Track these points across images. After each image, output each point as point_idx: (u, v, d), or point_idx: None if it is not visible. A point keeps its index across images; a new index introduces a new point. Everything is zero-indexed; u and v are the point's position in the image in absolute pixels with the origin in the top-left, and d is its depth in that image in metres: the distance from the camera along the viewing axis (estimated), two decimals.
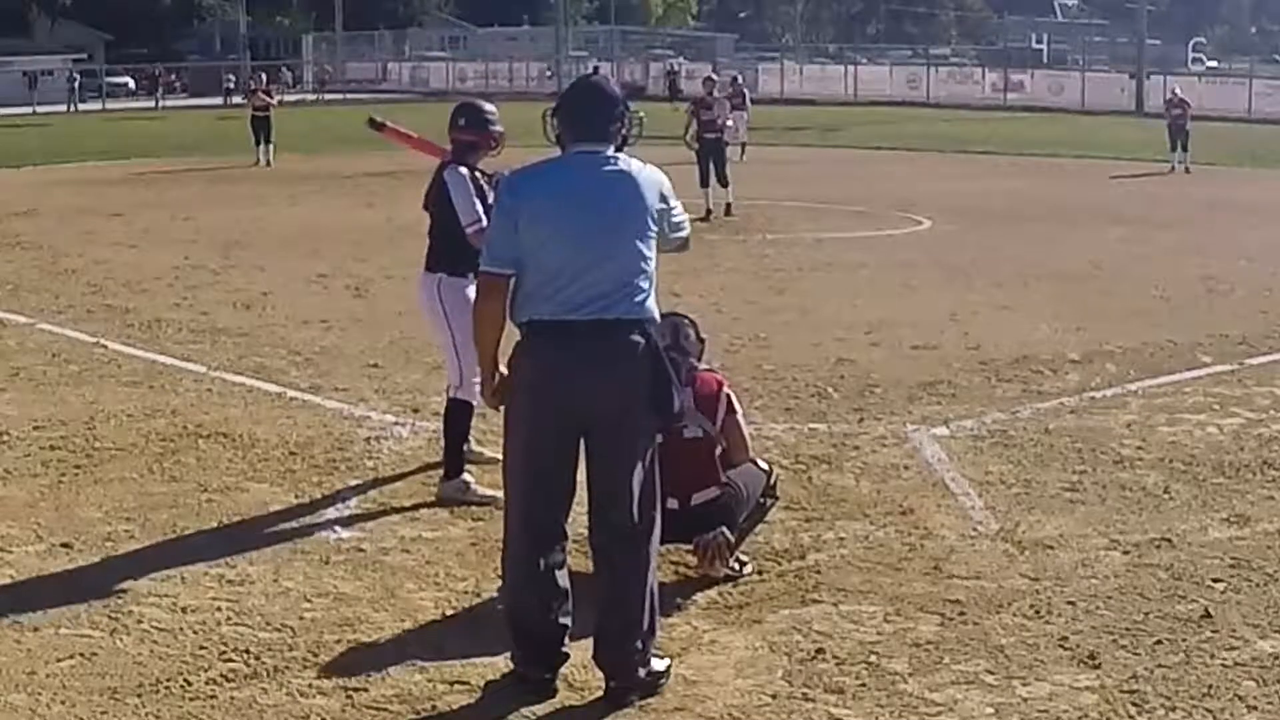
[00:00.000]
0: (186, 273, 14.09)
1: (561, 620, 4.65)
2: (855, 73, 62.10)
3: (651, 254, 4.59)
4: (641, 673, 4.62)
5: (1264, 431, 8.04)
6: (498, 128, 6.89)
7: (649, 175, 4.64)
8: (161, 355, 10.08)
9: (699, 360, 5.98)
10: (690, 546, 5.66)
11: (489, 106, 7.09)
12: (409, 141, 7.49)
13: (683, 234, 4.81)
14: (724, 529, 5.62)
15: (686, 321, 5.97)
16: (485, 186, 6.69)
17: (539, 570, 4.61)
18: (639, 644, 4.60)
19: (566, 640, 4.68)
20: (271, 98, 29.23)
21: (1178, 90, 28.85)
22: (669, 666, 4.75)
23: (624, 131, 4.72)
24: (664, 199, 4.66)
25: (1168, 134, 27.24)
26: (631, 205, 4.58)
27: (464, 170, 6.78)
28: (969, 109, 50.91)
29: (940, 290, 13.11)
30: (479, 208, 6.59)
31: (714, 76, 22.38)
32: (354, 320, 11.50)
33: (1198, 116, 28.11)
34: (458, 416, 6.85)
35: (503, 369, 4.70)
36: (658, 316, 4.62)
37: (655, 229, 4.61)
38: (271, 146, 28.00)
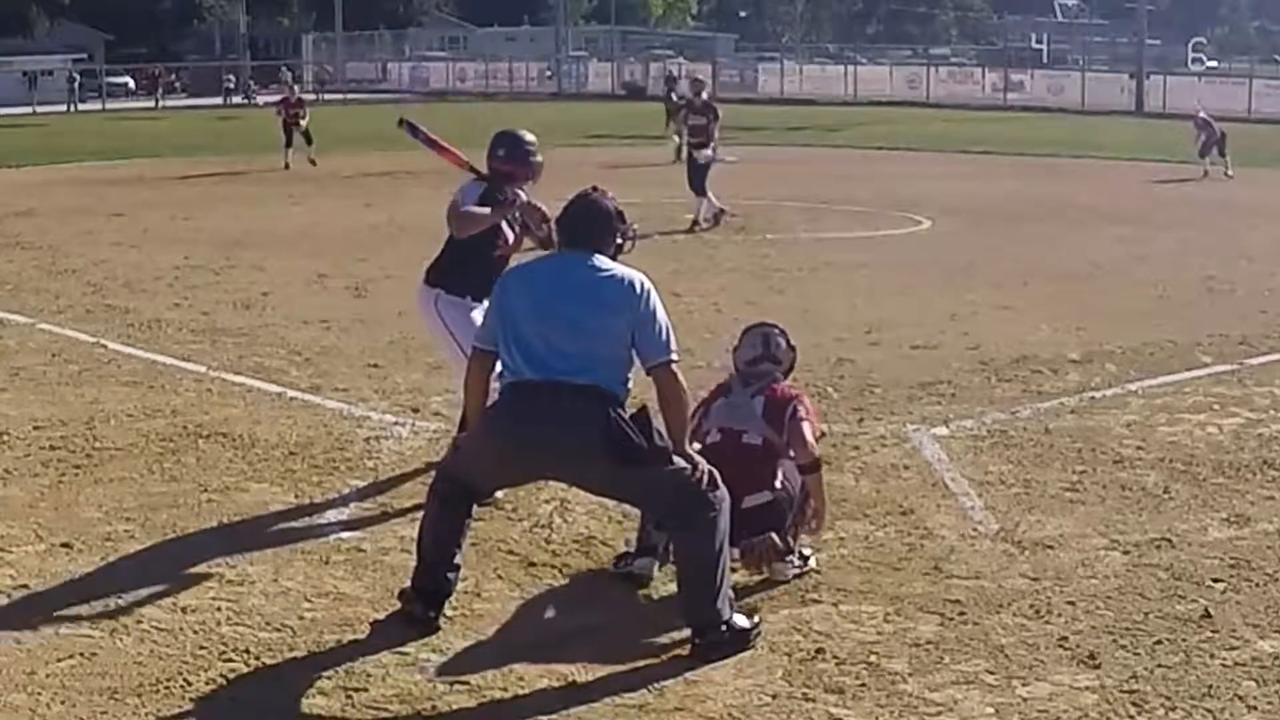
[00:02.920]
0: (186, 273, 14.09)
1: (454, 568, 5.22)
2: (855, 73, 62.00)
3: (618, 335, 5.00)
4: (722, 630, 4.97)
5: (1264, 431, 8.04)
6: (537, 159, 6.80)
7: (629, 277, 5.09)
8: (161, 355, 10.08)
9: (790, 368, 6.24)
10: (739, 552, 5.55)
11: (529, 137, 6.87)
12: (442, 153, 7.08)
13: (657, 359, 5.03)
14: (772, 534, 5.60)
15: (777, 331, 6.23)
16: (498, 199, 6.67)
17: (450, 510, 5.23)
18: (711, 605, 4.97)
19: (451, 590, 5.24)
20: (301, 108, 27.83)
21: (1202, 113, 28.05)
22: (756, 623, 5.10)
23: (619, 242, 5.26)
24: (638, 297, 5.03)
25: (1202, 144, 26.21)
26: (595, 292, 5.05)
27: (475, 185, 6.74)
28: (969, 109, 50.85)
29: (940, 290, 13.11)
30: (468, 202, 6.65)
31: (700, 79, 22.23)
32: (354, 320, 11.49)
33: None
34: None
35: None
36: (618, 392, 5.00)
37: (629, 326, 5.01)
38: (312, 146, 27.17)
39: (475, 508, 5.40)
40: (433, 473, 6.96)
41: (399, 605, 5.25)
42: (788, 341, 6.20)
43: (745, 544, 5.51)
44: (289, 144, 27.25)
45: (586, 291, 5.06)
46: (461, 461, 5.30)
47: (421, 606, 5.19)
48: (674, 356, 5.09)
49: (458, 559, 5.26)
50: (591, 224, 5.23)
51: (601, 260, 5.14)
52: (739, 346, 6.20)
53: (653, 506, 5.30)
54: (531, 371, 5.02)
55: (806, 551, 5.87)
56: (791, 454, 5.81)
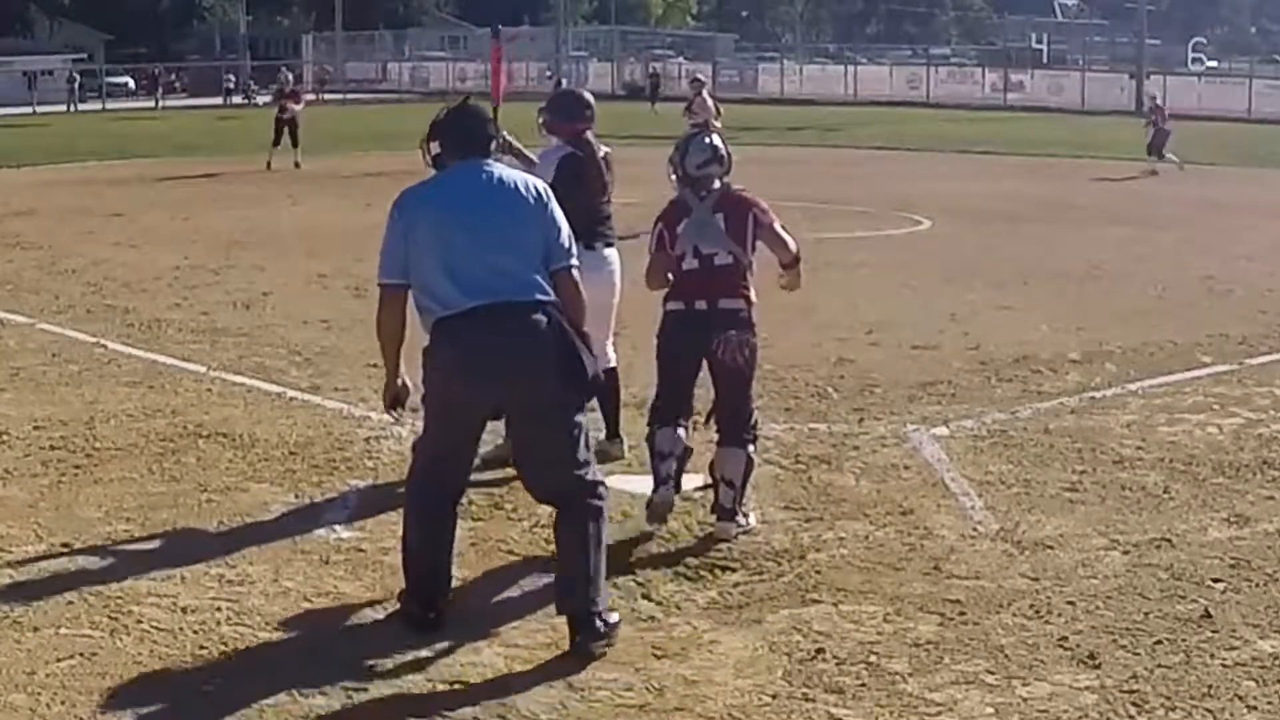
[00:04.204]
0: (186, 273, 14.09)
1: (449, 566, 5.23)
2: (855, 73, 62.09)
3: (536, 247, 4.98)
4: (599, 625, 4.97)
5: (1264, 431, 8.04)
6: None
7: (524, 180, 5.11)
8: (161, 355, 10.07)
9: (729, 169, 6.43)
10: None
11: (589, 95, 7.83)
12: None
13: (561, 264, 5.05)
14: (748, 335, 6.20)
15: (716, 134, 6.60)
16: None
17: (433, 519, 5.17)
18: (591, 594, 4.98)
19: (450, 586, 5.25)
20: (298, 102, 27.67)
21: (1158, 99, 28.61)
22: (619, 620, 5.10)
23: (494, 146, 5.23)
24: (542, 200, 5.05)
25: (1151, 139, 26.83)
26: (509, 201, 4.99)
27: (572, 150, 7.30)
28: (969, 109, 50.87)
29: (940, 290, 13.11)
30: (549, 168, 7.11)
31: (700, 78, 22.16)
32: (354, 320, 11.46)
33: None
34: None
35: (408, 382, 5.30)
36: (554, 297, 4.96)
37: (537, 226, 5.01)
38: (298, 149, 26.91)
39: (460, 505, 5.34)
40: None
41: (399, 605, 5.25)
42: (724, 143, 6.50)
43: (722, 338, 6.12)
44: (276, 143, 26.87)
45: (503, 201, 5.00)
46: (427, 439, 5.17)
47: (420, 607, 5.17)
48: (574, 262, 5.11)
49: (451, 556, 5.24)
50: (482, 130, 5.16)
51: (497, 167, 5.10)
52: (687, 153, 6.40)
53: (564, 457, 4.97)
54: (472, 298, 4.88)
55: (752, 516, 6.33)
56: (753, 269, 6.32)
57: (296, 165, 26.46)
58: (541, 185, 5.13)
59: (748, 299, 6.26)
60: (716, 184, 6.35)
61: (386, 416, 5.79)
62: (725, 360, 6.16)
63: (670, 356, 6.34)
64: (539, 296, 4.92)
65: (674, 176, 6.48)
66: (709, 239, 6.23)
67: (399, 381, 5.31)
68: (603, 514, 5.07)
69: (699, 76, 22.95)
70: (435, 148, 5.17)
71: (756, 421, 6.39)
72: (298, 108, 27.28)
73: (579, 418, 5.02)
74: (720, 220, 6.24)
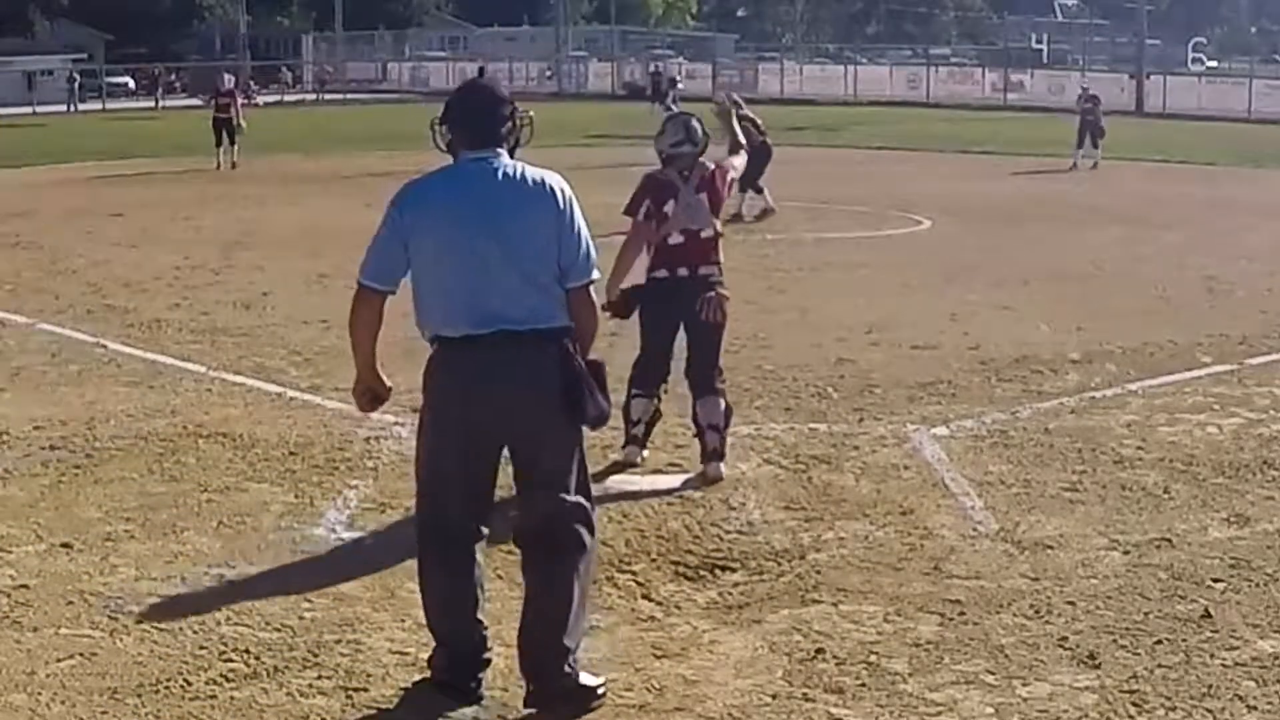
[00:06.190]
0: (186, 273, 14.09)
1: (478, 623, 4.63)
2: (855, 73, 62.04)
3: (551, 261, 4.48)
4: (566, 681, 4.52)
5: (1264, 431, 8.04)
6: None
7: (545, 181, 4.53)
8: (161, 355, 10.08)
9: (703, 150, 7.13)
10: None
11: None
12: None
13: (580, 280, 4.53)
14: (724, 294, 7.10)
15: (694, 119, 7.20)
16: None
17: (453, 560, 4.64)
18: (562, 647, 4.50)
19: (487, 645, 4.65)
20: (233, 99, 27.72)
21: (1091, 89, 29.47)
22: (601, 686, 4.62)
23: (516, 135, 4.61)
24: (561, 206, 4.51)
25: (1077, 129, 27.58)
26: (527, 215, 4.47)
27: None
28: (969, 109, 50.86)
29: (940, 290, 13.11)
30: None
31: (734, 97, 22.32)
32: None
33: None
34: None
35: (384, 379, 4.92)
36: (567, 321, 4.51)
37: (554, 236, 4.48)
38: (235, 148, 27.16)
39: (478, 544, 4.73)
40: None
41: (430, 673, 4.70)
42: (703, 128, 7.15)
43: (704, 298, 6.98)
44: (219, 143, 27.07)
45: (517, 212, 4.45)
46: (427, 466, 4.70)
47: (458, 674, 4.61)
48: (595, 276, 4.59)
49: (480, 613, 4.63)
50: (487, 114, 4.54)
51: (508, 160, 4.52)
52: (663, 133, 7.17)
53: (560, 482, 4.54)
54: (477, 325, 4.43)
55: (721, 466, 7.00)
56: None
57: (234, 165, 26.65)
58: (564, 187, 4.54)
59: (719, 264, 7.12)
60: (696, 165, 7.07)
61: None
62: (708, 318, 7.00)
63: (658, 320, 7.11)
64: (549, 324, 4.45)
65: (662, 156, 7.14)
66: (697, 218, 7.01)
67: (383, 382, 4.98)
68: (591, 549, 4.60)
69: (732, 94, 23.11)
70: (447, 132, 4.59)
71: (722, 371, 7.23)
72: (240, 120, 27.50)
73: (578, 445, 4.59)
74: (704, 199, 7.03)
